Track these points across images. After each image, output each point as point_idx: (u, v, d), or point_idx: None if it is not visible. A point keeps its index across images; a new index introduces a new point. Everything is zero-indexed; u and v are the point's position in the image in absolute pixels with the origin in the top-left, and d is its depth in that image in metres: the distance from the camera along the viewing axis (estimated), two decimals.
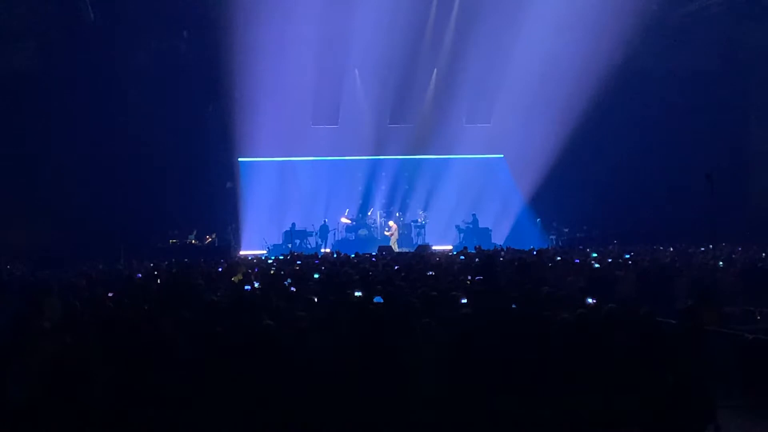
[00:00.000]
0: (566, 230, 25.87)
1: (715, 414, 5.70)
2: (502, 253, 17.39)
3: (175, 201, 23.88)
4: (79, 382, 5.37)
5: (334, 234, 25.85)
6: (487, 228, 25.82)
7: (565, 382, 5.61)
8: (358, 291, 8.45)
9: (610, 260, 14.64)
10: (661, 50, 24.08)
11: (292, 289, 8.83)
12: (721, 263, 13.39)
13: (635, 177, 25.32)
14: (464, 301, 7.90)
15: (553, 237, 25.72)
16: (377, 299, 7.97)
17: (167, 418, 5.42)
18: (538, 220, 26.24)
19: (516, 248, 19.04)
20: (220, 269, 14.41)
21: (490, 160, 27.91)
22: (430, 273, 11.42)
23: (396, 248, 23.94)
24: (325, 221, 25.71)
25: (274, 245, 24.73)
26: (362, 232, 26.00)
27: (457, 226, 26.11)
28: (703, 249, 17.63)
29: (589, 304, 7.53)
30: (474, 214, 25.88)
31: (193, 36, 23.77)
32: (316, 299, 8.22)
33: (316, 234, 25.44)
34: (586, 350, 5.86)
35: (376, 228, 26.49)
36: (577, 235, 25.38)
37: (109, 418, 5.29)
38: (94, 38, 22.24)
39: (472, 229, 25.68)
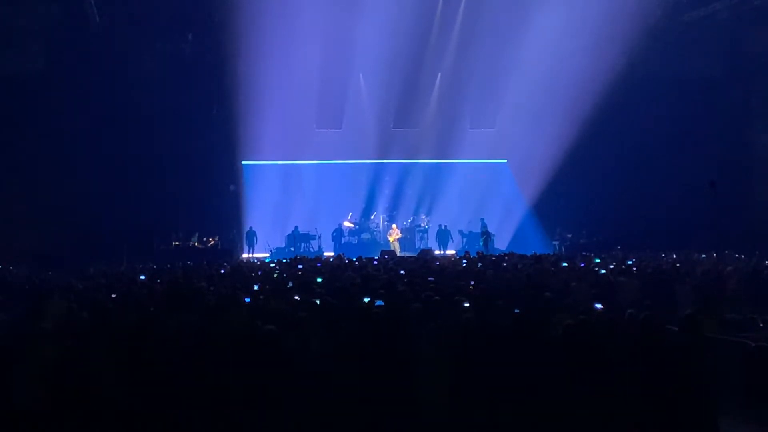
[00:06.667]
0: (569, 236, 25.81)
1: (717, 422, 5.66)
2: (506, 258, 17.34)
3: (178, 203, 23.87)
4: (81, 384, 5.37)
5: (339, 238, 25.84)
6: (491, 233, 25.73)
7: (567, 387, 5.60)
8: (366, 297, 8.42)
9: (613, 266, 14.57)
10: (665, 56, 24.05)
11: (296, 297, 8.78)
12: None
13: (639, 183, 25.27)
14: (467, 305, 7.89)
15: (557, 243, 25.65)
16: (378, 303, 7.97)
17: (170, 421, 5.42)
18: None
19: (519, 253, 18.99)
20: (222, 271, 14.42)
21: (493, 165, 27.93)
22: (431, 279, 11.38)
23: (398, 250, 23.91)
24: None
25: (277, 248, 24.72)
26: (365, 236, 26.00)
27: (460, 231, 26.07)
28: (704, 255, 17.57)
29: (596, 309, 7.51)
30: (482, 219, 25.82)
31: (198, 39, 23.84)
32: (318, 302, 8.21)
33: (319, 237, 25.40)
34: (588, 356, 5.84)
35: (379, 232, 26.48)
36: (581, 240, 25.30)
37: (112, 421, 5.28)
38: (99, 41, 22.29)
39: (476, 234, 25.61)
